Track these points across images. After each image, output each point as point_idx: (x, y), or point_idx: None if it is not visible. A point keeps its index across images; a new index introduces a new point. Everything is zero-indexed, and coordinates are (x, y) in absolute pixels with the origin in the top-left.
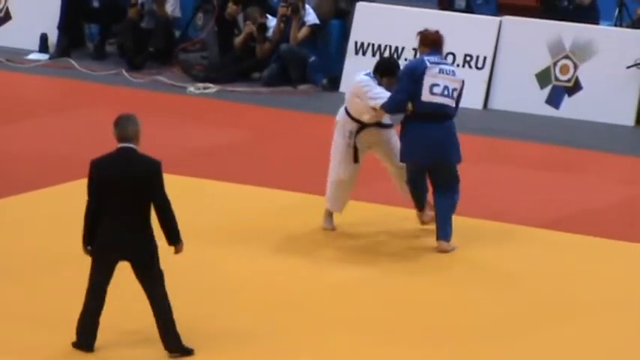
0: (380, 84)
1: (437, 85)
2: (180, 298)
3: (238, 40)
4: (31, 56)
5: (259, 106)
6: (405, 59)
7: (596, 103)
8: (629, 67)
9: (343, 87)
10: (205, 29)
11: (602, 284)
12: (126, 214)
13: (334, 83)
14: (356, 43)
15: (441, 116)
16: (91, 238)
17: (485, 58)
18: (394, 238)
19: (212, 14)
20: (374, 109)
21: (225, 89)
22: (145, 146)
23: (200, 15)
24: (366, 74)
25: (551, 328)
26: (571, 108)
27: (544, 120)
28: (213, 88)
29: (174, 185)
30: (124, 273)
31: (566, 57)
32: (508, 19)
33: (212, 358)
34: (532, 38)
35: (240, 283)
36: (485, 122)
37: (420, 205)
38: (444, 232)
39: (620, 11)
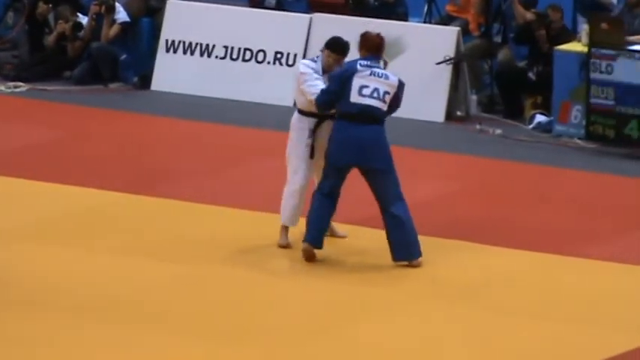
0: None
1: (366, 86)
2: None
3: (50, 38)
4: None
5: (71, 104)
6: (216, 57)
7: (406, 99)
8: (438, 64)
9: (154, 85)
10: (15, 28)
11: (420, 279)
12: None
13: (145, 81)
14: (167, 41)
15: (368, 118)
16: None
17: (295, 55)
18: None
19: (22, 13)
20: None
21: (36, 88)
22: None
23: (10, 14)
24: (310, 59)
25: (371, 323)
26: None
27: None
28: (24, 87)
29: None
30: None
31: None
32: (318, 17)
33: None
34: (342, 35)
35: (51, 282)
36: None
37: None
38: (417, 249)
39: (429, 7)
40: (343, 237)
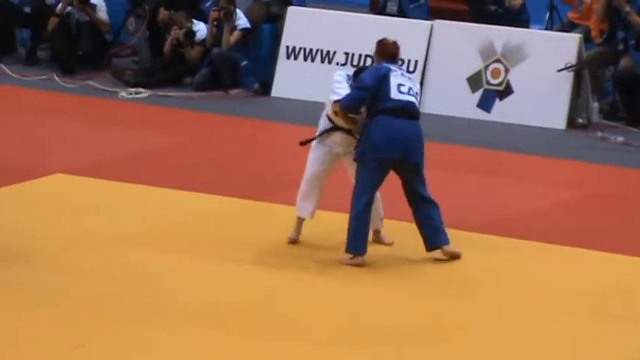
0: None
1: (403, 85)
2: (105, 305)
3: (166, 46)
4: None
5: (191, 110)
6: (337, 64)
7: (528, 106)
8: (559, 71)
9: (275, 91)
10: (137, 34)
11: (535, 287)
12: None
13: (266, 88)
14: (287, 47)
15: (411, 114)
16: None
17: (416, 62)
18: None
19: (144, 19)
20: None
21: (156, 94)
22: (78, 151)
23: (132, 20)
24: (345, 72)
25: (482, 329)
26: (502, 112)
27: (475, 124)
28: (144, 93)
29: (106, 189)
30: None
31: (497, 61)
32: (439, 23)
33: None
34: (463, 42)
35: (168, 288)
36: None
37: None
38: (444, 236)
39: (550, 14)
40: (390, 244)
